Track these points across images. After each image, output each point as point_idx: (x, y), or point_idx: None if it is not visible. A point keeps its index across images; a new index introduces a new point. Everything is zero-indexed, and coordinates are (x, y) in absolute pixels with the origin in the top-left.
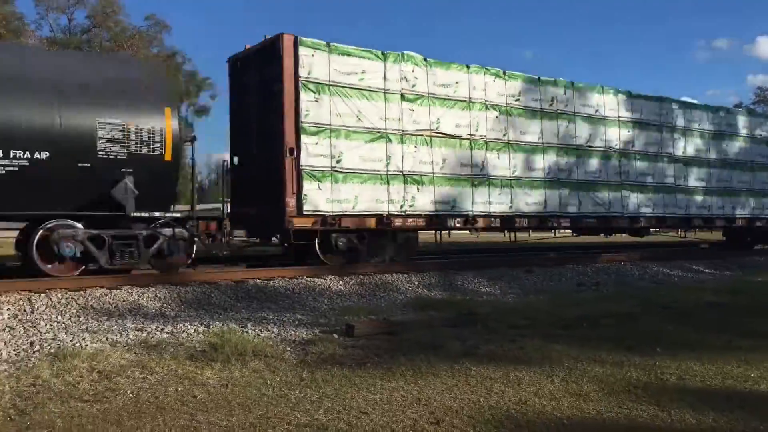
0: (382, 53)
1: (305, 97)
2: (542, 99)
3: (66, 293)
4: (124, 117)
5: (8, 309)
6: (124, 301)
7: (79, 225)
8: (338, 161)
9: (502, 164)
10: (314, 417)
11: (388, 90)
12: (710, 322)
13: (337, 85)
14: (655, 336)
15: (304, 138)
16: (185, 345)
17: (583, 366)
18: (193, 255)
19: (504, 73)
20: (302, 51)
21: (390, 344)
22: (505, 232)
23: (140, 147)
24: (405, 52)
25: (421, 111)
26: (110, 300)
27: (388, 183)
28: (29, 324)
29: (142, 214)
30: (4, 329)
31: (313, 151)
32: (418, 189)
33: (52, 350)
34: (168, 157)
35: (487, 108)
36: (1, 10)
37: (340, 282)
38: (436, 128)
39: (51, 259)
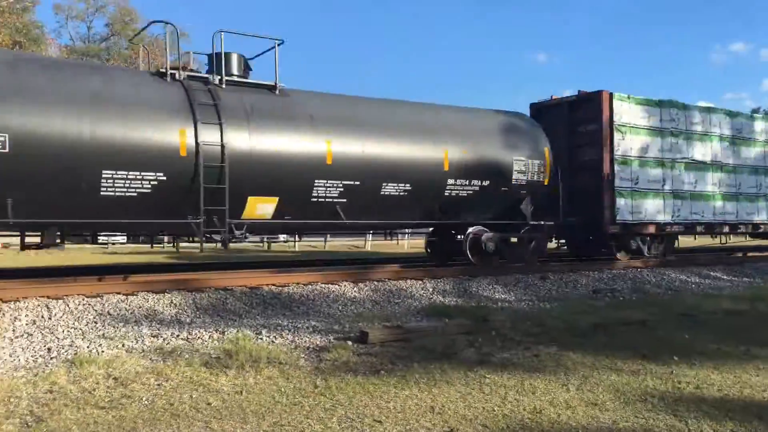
0: (658, 102)
1: (617, 137)
2: (702, 123)
3: (83, 299)
4: (526, 155)
5: (26, 315)
6: (140, 307)
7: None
8: (636, 183)
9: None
10: (327, 425)
11: (663, 129)
12: (728, 330)
13: (634, 127)
14: (671, 344)
15: (616, 166)
16: (200, 351)
17: (598, 374)
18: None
19: (720, 110)
20: (616, 103)
21: (404, 351)
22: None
23: (534, 176)
24: (671, 99)
25: (681, 143)
26: (126, 306)
27: (664, 199)
28: (47, 330)
29: (536, 222)
30: (22, 335)
31: (621, 176)
32: (681, 203)
33: (69, 356)
34: (546, 182)
35: (711, 138)
36: (21, 19)
37: (355, 288)
38: (691, 156)
39: (475, 253)
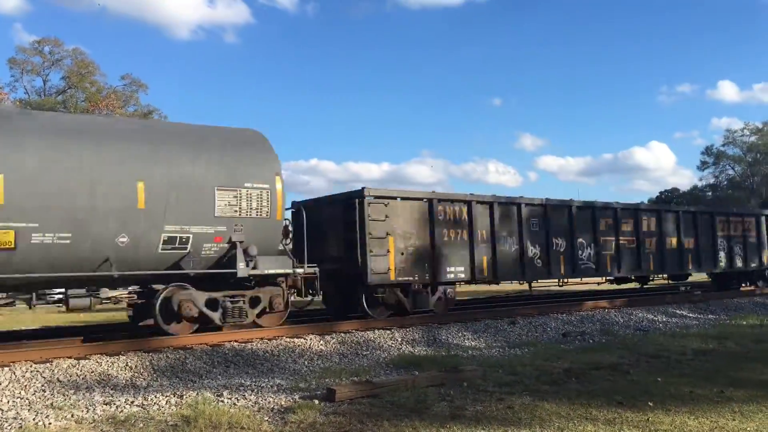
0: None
1: None
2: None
3: (31, 366)
4: None
5: None
6: (92, 372)
7: None
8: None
9: None
10: None
11: None
12: (699, 371)
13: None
14: (645, 389)
15: None
16: (156, 419)
17: (574, 425)
18: None
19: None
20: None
21: (373, 408)
22: None
23: None
24: None
25: None
26: (78, 371)
27: None
28: None
29: None
30: None
31: None
32: None
33: (14, 431)
34: None
35: None
36: None
37: (321, 341)
38: None
39: None
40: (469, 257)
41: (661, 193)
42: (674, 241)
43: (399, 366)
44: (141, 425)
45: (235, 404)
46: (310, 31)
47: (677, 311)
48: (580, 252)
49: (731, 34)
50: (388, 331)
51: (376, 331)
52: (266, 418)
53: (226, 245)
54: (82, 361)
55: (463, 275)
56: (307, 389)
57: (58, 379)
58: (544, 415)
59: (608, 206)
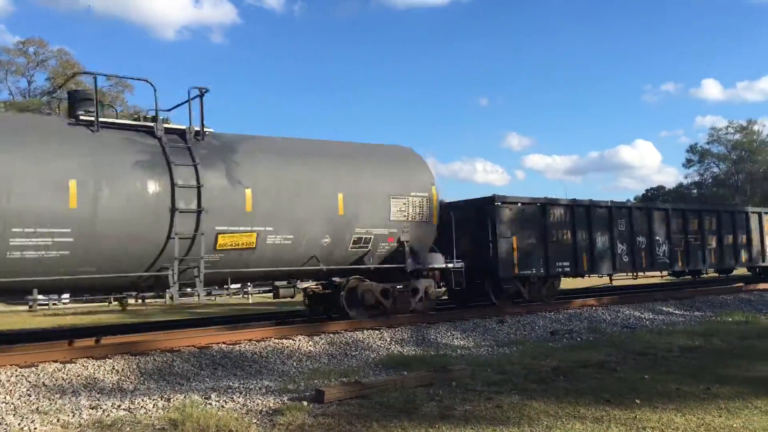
0: None
1: None
2: None
3: (16, 370)
4: None
5: None
6: (78, 375)
7: None
8: None
9: None
10: None
11: None
12: (686, 368)
13: None
14: (632, 386)
15: None
16: (143, 423)
17: (562, 424)
18: None
19: None
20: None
21: (362, 409)
22: None
23: None
24: None
25: None
26: (64, 375)
27: None
28: None
29: None
30: None
31: None
32: None
33: None
34: None
35: None
36: None
37: (310, 342)
38: None
39: None
40: (572, 253)
41: (647, 191)
42: (730, 238)
43: (388, 366)
44: (128, 429)
45: (223, 407)
46: (297, 31)
47: (663, 308)
48: (657, 248)
49: (714, 32)
50: (377, 332)
51: (365, 332)
52: (254, 421)
53: (396, 244)
54: (68, 365)
55: (567, 269)
56: (296, 391)
57: (43, 383)
58: (532, 413)
59: (677, 208)
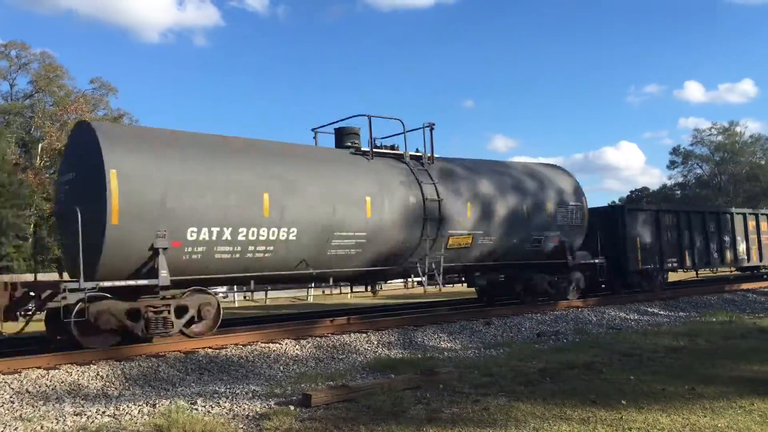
0: None
1: None
2: None
3: None
4: None
5: None
6: (62, 382)
7: None
8: None
9: None
10: None
11: None
12: (671, 368)
13: None
14: (618, 387)
15: None
16: (128, 429)
17: (549, 425)
18: None
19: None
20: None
21: (349, 413)
22: None
23: None
24: None
25: None
26: (47, 382)
27: None
28: None
29: None
30: None
31: None
32: None
33: None
34: None
35: None
36: None
37: (297, 346)
38: None
39: None
40: (679, 251)
41: (631, 192)
42: None
43: (375, 369)
44: None
45: (209, 412)
46: (282, 34)
47: (649, 309)
48: (738, 247)
49: (696, 35)
50: (364, 335)
51: (352, 335)
52: (241, 426)
53: (558, 244)
54: (52, 371)
55: (676, 264)
56: (283, 395)
57: (27, 390)
58: (519, 415)
59: (754, 213)
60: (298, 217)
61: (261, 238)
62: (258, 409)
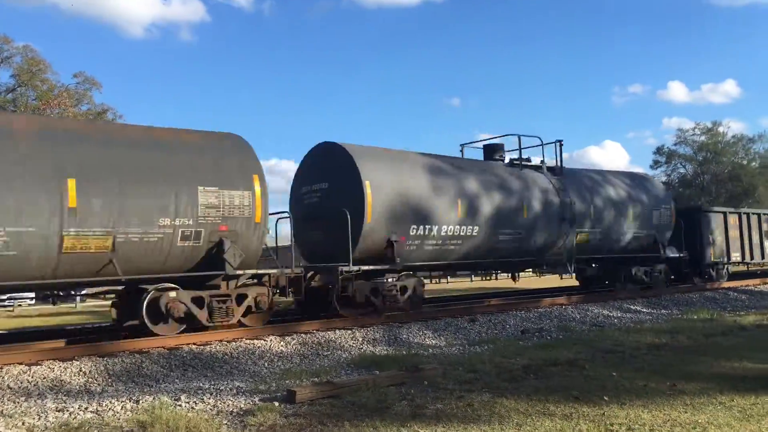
0: None
1: None
2: None
3: None
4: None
5: None
6: (44, 378)
7: None
8: None
9: None
10: None
11: None
12: (653, 365)
13: None
14: (601, 384)
15: None
16: (111, 425)
17: (532, 421)
18: None
19: None
20: None
21: (334, 409)
22: None
23: None
24: None
25: None
26: (29, 378)
27: None
28: None
29: None
30: None
31: None
32: None
33: None
34: None
35: None
36: None
37: (281, 342)
38: None
39: None
40: (740, 247)
41: None
42: None
43: (360, 366)
44: None
45: (193, 408)
46: (267, 30)
47: (632, 306)
48: None
49: (680, 36)
50: (349, 331)
51: (337, 332)
52: (225, 422)
53: (653, 240)
54: (34, 367)
55: (739, 258)
56: (267, 391)
57: (8, 386)
58: (503, 411)
59: None
60: (481, 218)
61: (455, 233)
62: (242, 406)
